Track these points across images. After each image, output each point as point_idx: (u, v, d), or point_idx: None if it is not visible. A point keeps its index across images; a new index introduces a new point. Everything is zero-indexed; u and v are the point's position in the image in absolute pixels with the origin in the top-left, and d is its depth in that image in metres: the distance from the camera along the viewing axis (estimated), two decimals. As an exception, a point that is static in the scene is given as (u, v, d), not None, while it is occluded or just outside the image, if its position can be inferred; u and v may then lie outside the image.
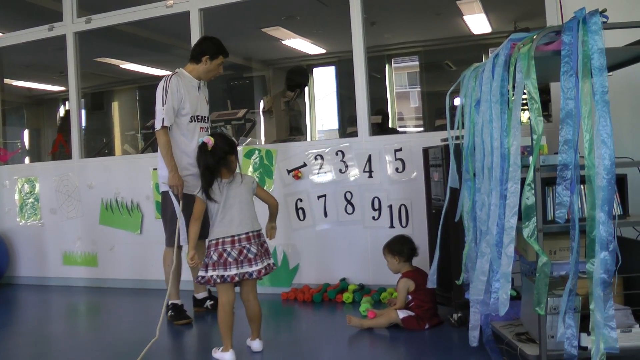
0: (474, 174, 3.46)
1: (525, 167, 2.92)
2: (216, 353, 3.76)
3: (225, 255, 3.65)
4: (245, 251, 3.68)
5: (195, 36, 5.90)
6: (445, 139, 4.07)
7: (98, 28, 6.72)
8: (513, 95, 3.00)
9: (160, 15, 6.32)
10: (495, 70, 3.13)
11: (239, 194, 3.77)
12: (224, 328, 3.71)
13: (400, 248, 4.34)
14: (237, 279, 3.68)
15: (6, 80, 9.55)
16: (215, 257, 3.66)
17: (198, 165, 3.82)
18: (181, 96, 4.67)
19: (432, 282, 3.81)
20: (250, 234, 3.75)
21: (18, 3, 7.77)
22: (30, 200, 6.96)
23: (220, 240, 3.68)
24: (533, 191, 2.83)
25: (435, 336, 4.03)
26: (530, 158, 2.86)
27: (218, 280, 3.64)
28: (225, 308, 3.71)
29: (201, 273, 3.68)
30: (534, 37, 2.93)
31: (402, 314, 4.15)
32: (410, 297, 4.20)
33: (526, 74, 2.84)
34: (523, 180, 2.85)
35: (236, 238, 3.69)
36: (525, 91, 2.84)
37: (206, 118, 4.87)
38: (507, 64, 3.06)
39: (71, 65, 6.77)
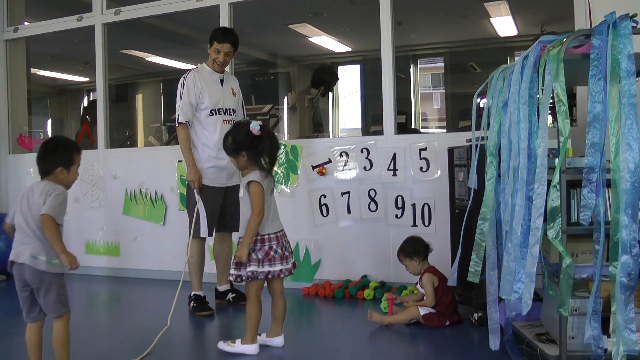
0: (499, 175, 3.48)
1: (550, 169, 2.94)
2: (233, 346, 3.77)
3: (272, 252, 3.67)
4: (283, 248, 3.73)
5: (225, 30, 5.90)
6: (470, 139, 4.09)
7: (126, 20, 6.79)
8: (541, 97, 3.01)
9: (190, 9, 6.36)
10: (525, 71, 3.14)
11: (271, 189, 3.79)
12: (255, 322, 3.74)
13: (415, 249, 4.40)
14: (282, 275, 3.72)
15: (32, 70, 9.64)
16: (262, 254, 3.65)
17: (234, 152, 3.72)
18: (199, 91, 4.76)
19: (452, 280, 3.83)
20: (284, 231, 3.81)
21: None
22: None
23: (267, 236, 3.69)
24: (559, 193, 2.84)
25: (455, 335, 4.06)
26: (557, 160, 2.88)
27: (261, 277, 3.65)
28: (260, 302, 3.75)
29: (250, 268, 3.64)
30: (564, 39, 2.95)
31: (423, 310, 4.19)
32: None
33: (555, 76, 2.85)
34: (548, 182, 2.86)
35: (280, 234, 3.74)
36: (553, 93, 2.86)
37: (231, 110, 4.91)
38: (536, 65, 3.07)
39: (99, 56, 6.84)
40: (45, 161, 3.28)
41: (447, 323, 4.18)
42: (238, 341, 3.77)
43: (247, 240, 3.61)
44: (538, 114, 3.01)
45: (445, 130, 11.50)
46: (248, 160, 3.70)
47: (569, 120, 2.81)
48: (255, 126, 3.66)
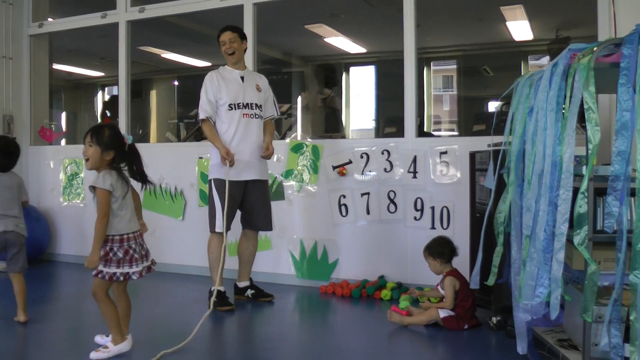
0: (523, 180, 3.51)
1: (576, 176, 2.98)
2: (108, 351, 3.67)
3: (131, 251, 3.62)
4: (141, 247, 3.71)
5: (248, 30, 5.94)
6: (497, 144, 4.13)
7: (150, 18, 6.87)
8: (569, 104, 3.04)
9: (214, 9, 6.42)
10: (553, 79, 3.17)
11: (125, 192, 3.67)
12: (116, 319, 3.67)
13: (440, 250, 4.42)
14: (143, 274, 3.67)
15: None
16: (121, 253, 3.58)
17: (104, 145, 3.58)
18: (216, 88, 4.90)
19: (474, 283, 3.87)
20: (139, 232, 3.77)
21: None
22: (75, 181, 7.13)
23: (125, 236, 3.62)
24: (586, 200, 2.88)
25: (473, 338, 4.09)
26: (584, 168, 2.92)
27: (122, 279, 3.59)
28: (110, 299, 3.67)
29: (110, 270, 3.55)
30: (595, 48, 2.98)
31: (442, 313, 4.23)
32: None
33: (585, 85, 2.88)
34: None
35: (137, 234, 3.70)
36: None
37: (253, 105, 4.97)
38: (565, 73, 3.10)
39: (122, 52, 6.93)
40: (11, 159, 4.50)
41: (466, 327, 4.22)
42: (110, 344, 3.70)
43: (97, 245, 3.53)
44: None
45: (457, 134, 11.52)
46: (109, 162, 3.62)
47: (599, 128, 2.84)
48: (129, 138, 3.69)
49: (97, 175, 3.60)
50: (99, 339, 3.89)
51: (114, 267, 3.56)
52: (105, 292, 3.65)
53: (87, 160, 3.64)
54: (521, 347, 3.52)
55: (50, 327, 4.46)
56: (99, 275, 3.56)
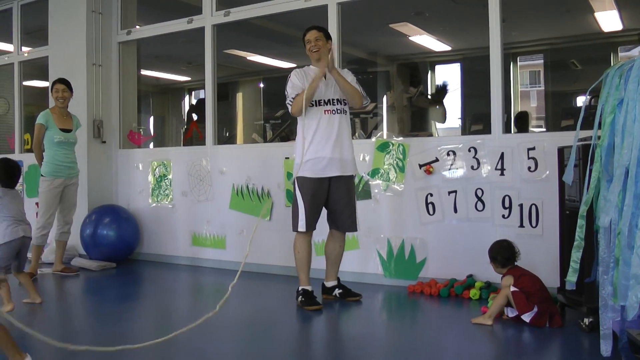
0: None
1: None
2: None
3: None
4: None
5: (332, 30, 5.95)
6: (583, 139, 4.02)
7: (235, 21, 6.97)
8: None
9: (298, 9, 6.46)
10: (646, 69, 3.08)
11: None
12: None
13: (494, 256, 4.51)
14: None
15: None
16: None
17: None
18: (301, 82, 4.88)
19: (571, 284, 3.74)
20: None
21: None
22: (163, 182, 7.31)
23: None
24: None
25: (564, 340, 3.98)
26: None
27: None
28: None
29: None
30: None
31: (513, 288, 4.24)
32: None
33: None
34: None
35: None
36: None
37: (334, 100, 4.94)
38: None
39: (208, 57, 7.06)
40: (17, 178, 5.14)
41: (547, 325, 4.15)
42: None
43: None
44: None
45: (544, 130, 11.28)
46: None
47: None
48: None
49: None
50: None
51: None
52: None
53: None
54: (605, 349, 3.38)
55: (137, 323, 4.62)
56: None
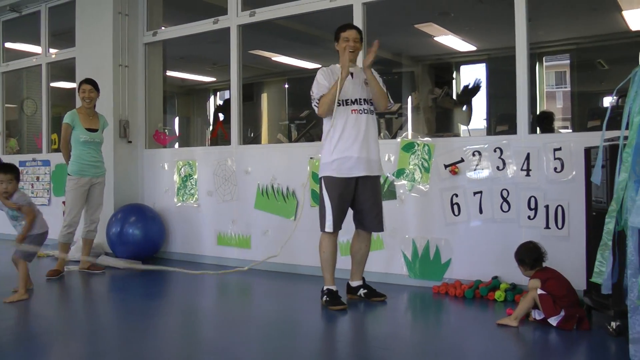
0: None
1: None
2: None
3: None
4: None
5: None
6: (610, 139, 3.98)
7: (260, 21, 6.99)
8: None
9: (323, 9, 6.47)
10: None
11: None
12: None
13: (521, 258, 4.46)
14: None
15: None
16: None
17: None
18: (327, 81, 4.89)
19: (606, 288, 3.67)
20: None
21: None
22: (188, 182, 7.36)
23: None
24: None
25: (590, 343, 3.94)
26: None
27: None
28: None
29: None
30: None
31: (540, 291, 4.19)
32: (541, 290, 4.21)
33: None
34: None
35: None
36: None
37: (361, 100, 4.93)
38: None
39: (234, 57, 7.09)
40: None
41: (575, 328, 4.11)
42: None
43: None
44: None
45: (570, 130, 11.19)
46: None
47: None
48: None
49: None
50: None
51: None
52: None
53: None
54: (635, 353, 3.36)
55: (161, 320, 4.65)
56: None
